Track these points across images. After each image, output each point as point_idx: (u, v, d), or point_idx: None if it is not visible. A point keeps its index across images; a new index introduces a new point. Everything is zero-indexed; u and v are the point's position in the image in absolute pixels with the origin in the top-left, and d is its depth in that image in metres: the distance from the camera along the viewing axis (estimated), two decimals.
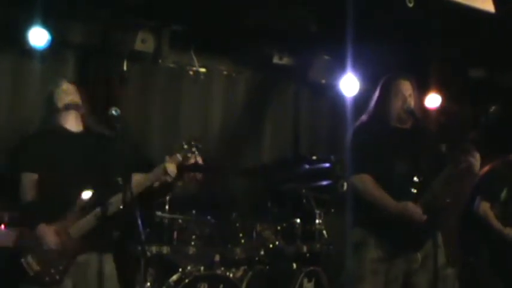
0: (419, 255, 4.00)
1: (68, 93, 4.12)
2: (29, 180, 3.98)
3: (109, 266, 4.01)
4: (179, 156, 4.12)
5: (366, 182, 4.04)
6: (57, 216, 3.89)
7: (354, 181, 4.11)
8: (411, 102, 4.16)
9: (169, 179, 4.12)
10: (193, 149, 4.14)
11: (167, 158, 4.12)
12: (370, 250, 4.03)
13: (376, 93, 4.28)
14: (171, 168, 4.08)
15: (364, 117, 4.28)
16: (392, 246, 3.99)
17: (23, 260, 3.81)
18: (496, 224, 5.35)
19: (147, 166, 4.19)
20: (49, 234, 3.84)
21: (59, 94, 4.11)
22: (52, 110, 4.12)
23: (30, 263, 3.81)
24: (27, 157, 4.04)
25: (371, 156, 4.04)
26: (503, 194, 5.46)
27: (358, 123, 4.29)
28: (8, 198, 4.73)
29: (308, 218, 5.89)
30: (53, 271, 3.82)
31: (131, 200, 3.56)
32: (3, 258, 4.36)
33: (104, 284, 3.75)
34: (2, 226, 4.76)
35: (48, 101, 4.15)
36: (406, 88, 4.19)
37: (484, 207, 5.36)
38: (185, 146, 4.15)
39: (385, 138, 4.11)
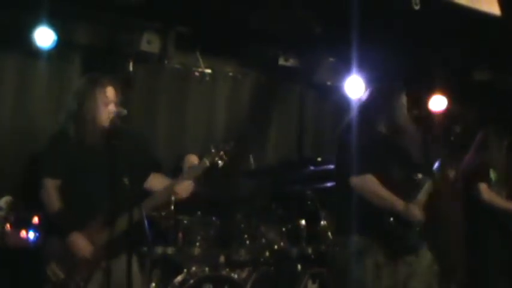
0: (415, 257, 4.03)
1: None
2: (52, 186, 3.82)
3: (133, 267, 3.81)
4: (206, 161, 4.00)
5: (371, 182, 3.96)
6: (83, 224, 3.77)
7: (357, 182, 3.97)
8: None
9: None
10: (221, 153, 4.01)
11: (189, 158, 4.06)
12: (372, 256, 3.99)
13: (379, 100, 4.27)
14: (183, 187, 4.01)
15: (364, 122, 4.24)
16: (391, 251, 4.01)
17: (47, 267, 3.72)
18: (502, 202, 5.40)
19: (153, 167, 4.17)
20: (82, 242, 3.74)
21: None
22: None
23: (55, 270, 3.71)
24: (51, 162, 3.89)
25: (372, 156, 4.02)
26: (492, 175, 5.52)
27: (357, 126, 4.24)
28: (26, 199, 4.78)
29: (313, 220, 5.88)
30: (78, 278, 3.72)
31: (137, 201, 3.53)
32: (26, 265, 4.33)
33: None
34: (8, 226, 4.78)
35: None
36: (404, 98, 4.29)
37: (483, 188, 5.38)
38: (213, 150, 4.02)
39: (386, 140, 4.14)
